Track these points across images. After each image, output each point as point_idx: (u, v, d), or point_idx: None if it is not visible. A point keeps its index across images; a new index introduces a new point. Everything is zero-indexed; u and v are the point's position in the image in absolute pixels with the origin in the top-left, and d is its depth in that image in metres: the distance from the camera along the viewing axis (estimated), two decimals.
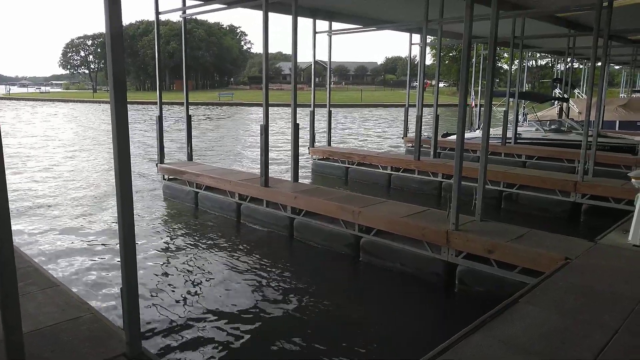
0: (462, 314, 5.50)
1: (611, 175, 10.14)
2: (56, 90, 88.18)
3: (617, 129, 19.10)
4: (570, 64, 19.19)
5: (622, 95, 30.20)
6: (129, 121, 2.94)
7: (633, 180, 5.91)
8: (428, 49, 33.94)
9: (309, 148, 14.06)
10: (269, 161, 8.63)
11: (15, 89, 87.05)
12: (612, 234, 5.89)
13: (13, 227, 2.53)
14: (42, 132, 25.00)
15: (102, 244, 7.48)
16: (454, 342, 3.27)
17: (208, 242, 7.74)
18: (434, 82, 18.92)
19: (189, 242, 7.77)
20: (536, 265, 5.20)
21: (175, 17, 14.27)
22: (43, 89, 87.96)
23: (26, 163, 15.08)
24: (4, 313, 2.56)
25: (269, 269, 6.67)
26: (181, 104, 11.06)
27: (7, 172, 2.44)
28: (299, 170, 9.22)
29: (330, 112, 14.24)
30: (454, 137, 16.52)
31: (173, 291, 5.86)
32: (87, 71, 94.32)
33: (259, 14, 8.02)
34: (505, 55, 54.90)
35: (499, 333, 3.41)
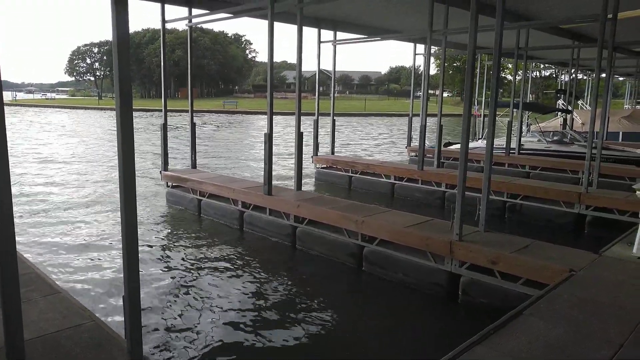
0: (465, 326, 5.46)
1: (615, 187, 10.10)
2: (62, 97, 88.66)
3: (620, 140, 19.05)
4: (574, 75, 19.19)
5: (627, 106, 30.18)
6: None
7: (638, 192, 5.89)
8: (432, 59, 34.04)
9: (312, 157, 14.08)
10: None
11: (21, 95, 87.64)
12: (617, 246, 5.85)
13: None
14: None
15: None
16: (457, 355, 3.24)
17: (210, 250, 7.73)
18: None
19: (191, 249, 7.75)
20: (540, 277, 5.16)
21: (181, 25, 14.39)
22: (49, 95, 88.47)
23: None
24: (6, 319, 2.56)
25: (270, 277, 6.64)
26: (186, 111, 11.11)
27: None
28: (302, 179, 9.22)
29: (334, 121, 14.28)
30: (455, 146, 16.53)
31: (173, 299, 5.84)
32: (92, 78, 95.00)
33: (264, 23, 8.07)
34: (510, 65, 55.05)
35: (502, 346, 3.38)
